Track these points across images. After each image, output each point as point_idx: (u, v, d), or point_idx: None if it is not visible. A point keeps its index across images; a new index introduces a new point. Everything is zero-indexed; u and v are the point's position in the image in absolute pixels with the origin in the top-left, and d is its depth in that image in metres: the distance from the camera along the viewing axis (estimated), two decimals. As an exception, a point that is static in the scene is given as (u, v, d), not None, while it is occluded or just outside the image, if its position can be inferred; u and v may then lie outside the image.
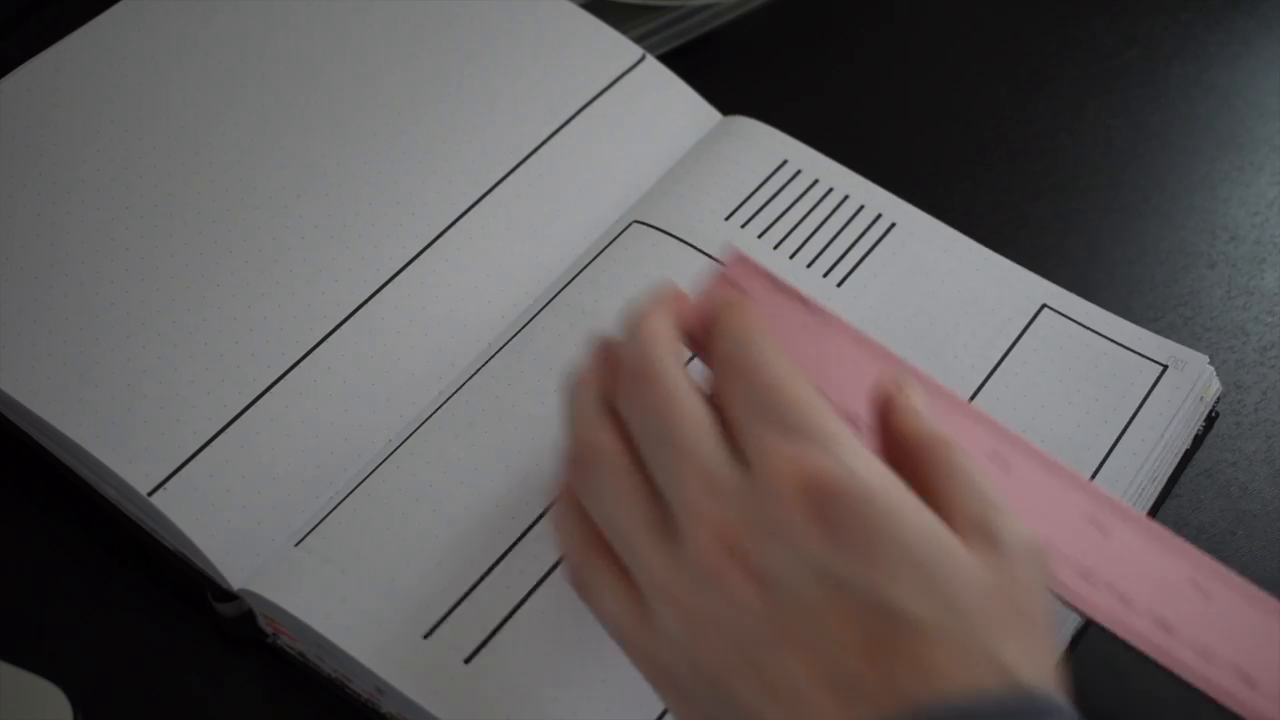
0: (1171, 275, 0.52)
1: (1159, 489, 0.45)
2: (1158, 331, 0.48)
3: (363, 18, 0.51)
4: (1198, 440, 0.47)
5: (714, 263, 0.39)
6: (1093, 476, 0.44)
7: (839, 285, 0.47)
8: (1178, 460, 0.46)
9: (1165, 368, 0.46)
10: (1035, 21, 0.61)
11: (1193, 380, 0.46)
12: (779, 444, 0.32)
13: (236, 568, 0.40)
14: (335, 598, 0.39)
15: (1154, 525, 0.36)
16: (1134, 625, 0.35)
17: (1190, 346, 0.48)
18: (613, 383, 0.35)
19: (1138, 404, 0.45)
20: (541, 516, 0.41)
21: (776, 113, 0.52)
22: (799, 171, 0.50)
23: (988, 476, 0.33)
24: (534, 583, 0.40)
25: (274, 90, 0.49)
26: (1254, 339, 0.50)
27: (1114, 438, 0.45)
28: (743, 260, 0.38)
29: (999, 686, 0.30)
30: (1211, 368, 0.47)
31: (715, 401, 0.34)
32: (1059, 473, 0.37)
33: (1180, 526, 0.45)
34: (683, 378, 0.34)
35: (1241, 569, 0.44)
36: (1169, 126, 0.57)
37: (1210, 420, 0.48)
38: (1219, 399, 0.48)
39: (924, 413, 0.35)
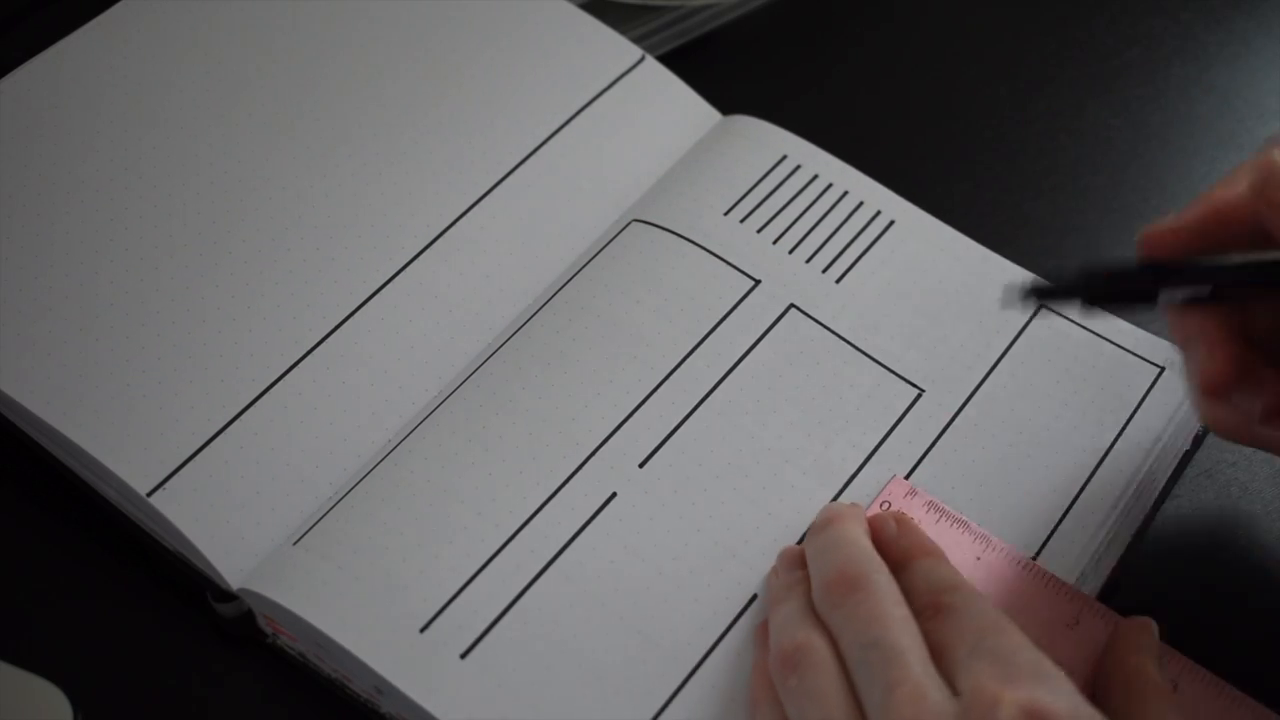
0: (1171, 275, 0.52)
1: (1158, 490, 0.45)
2: (1157, 332, 0.48)
3: (362, 18, 0.51)
4: (1197, 440, 0.47)
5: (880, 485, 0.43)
6: (1089, 478, 0.44)
7: (838, 282, 0.47)
8: (1177, 461, 0.46)
9: (1163, 369, 0.46)
10: (1035, 21, 0.61)
11: (1190, 381, 0.46)
12: (998, 677, 0.33)
13: (235, 568, 0.40)
14: (332, 593, 0.39)
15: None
16: None
17: (1190, 347, 0.48)
18: (811, 587, 0.38)
19: (1135, 405, 0.45)
20: (538, 512, 0.41)
21: (776, 113, 0.52)
22: (798, 166, 0.50)
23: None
24: (530, 578, 0.40)
25: (274, 91, 0.49)
26: (1254, 339, 0.50)
27: (1111, 439, 0.45)
28: (901, 485, 0.43)
29: None
30: (1210, 368, 0.47)
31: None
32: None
33: (1181, 526, 0.45)
34: (894, 589, 0.37)
35: (1241, 569, 0.45)
36: (1169, 126, 0.57)
37: (1210, 420, 0.48)
38: (1218, 399, 0.48)
39: (1156, 658, 0.38)
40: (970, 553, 0.41)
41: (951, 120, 0.57)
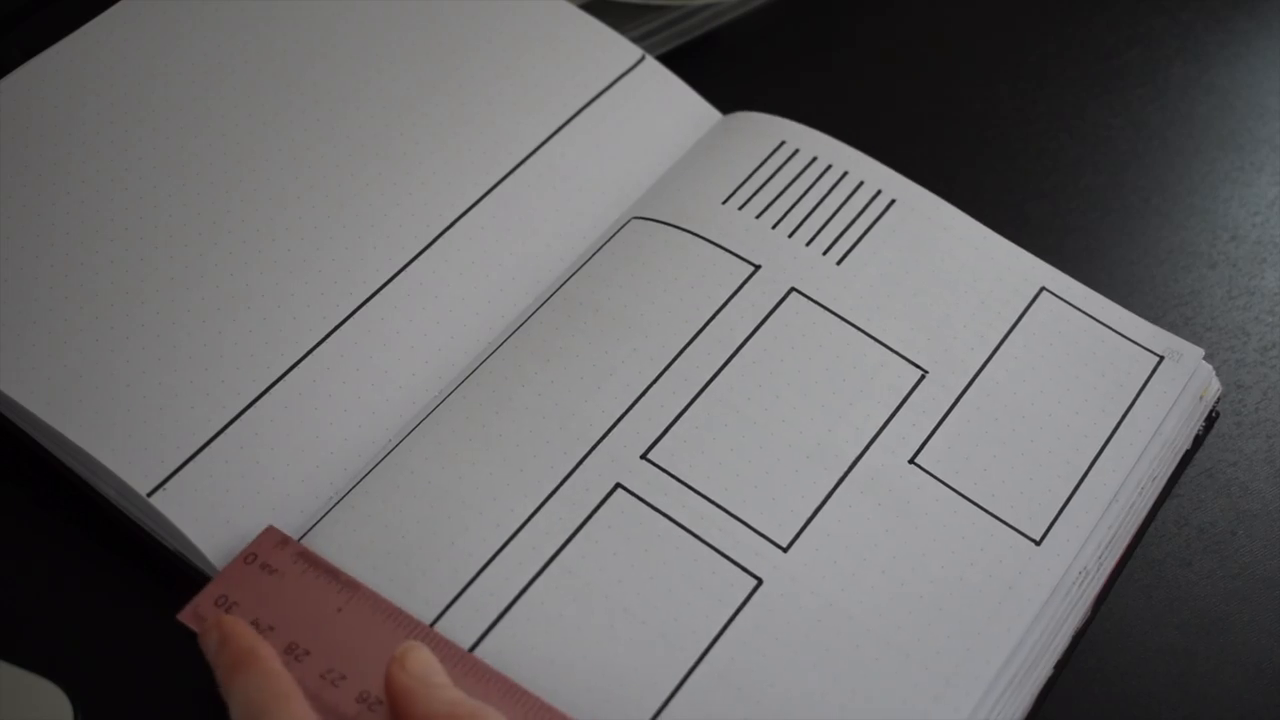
0: (1172, 275, 0.52)
1: (1159, 489, 0.45)
2: (1155, 320, 0.48)
3: (362, 19, 0.52)
4: (1198, 440, 0.47)
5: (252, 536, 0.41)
6: (1089, 467, 0.44)
7: (839, 263, 0.47)
8: (1178, 460, 0.46)
9: (1162, 358, 0.46)
10: (1035, 21, 0.61)
11: (1189, 372, 0.46)
12: None
13: (236, 566, 0.40)
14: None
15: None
16: None
17: (1190, 346, 0.48)
18: None
19: (1135, 394, 0.45)
20: (539, 509, 0.41)
21: (776, 113, 0.52)
22: (796, 150, 0.50)
23: None
24: (532, 575, 0.40)
25: (274, 91, 0.49)
26: (1255, 339, 0.50)
27: (1111, 427, 0.45)
28: (273, 534, 0.40)
29: None
30: (1210, 365, 0.47)
31: None
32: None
33: (1181, 526, 0.45)
34: None
35: (1242, 569, 0.45)
36: (1169, 126, 0.57)
37: (1210, 420, 0.48)
38: (1219, 399, 0.48)
39: (419, 676, 0.37)
40: (332, 605, 0.39)
41: (951, 120, 0.57)
